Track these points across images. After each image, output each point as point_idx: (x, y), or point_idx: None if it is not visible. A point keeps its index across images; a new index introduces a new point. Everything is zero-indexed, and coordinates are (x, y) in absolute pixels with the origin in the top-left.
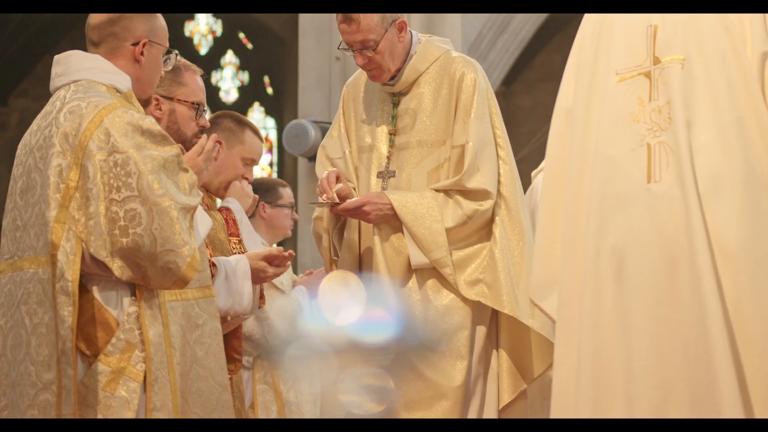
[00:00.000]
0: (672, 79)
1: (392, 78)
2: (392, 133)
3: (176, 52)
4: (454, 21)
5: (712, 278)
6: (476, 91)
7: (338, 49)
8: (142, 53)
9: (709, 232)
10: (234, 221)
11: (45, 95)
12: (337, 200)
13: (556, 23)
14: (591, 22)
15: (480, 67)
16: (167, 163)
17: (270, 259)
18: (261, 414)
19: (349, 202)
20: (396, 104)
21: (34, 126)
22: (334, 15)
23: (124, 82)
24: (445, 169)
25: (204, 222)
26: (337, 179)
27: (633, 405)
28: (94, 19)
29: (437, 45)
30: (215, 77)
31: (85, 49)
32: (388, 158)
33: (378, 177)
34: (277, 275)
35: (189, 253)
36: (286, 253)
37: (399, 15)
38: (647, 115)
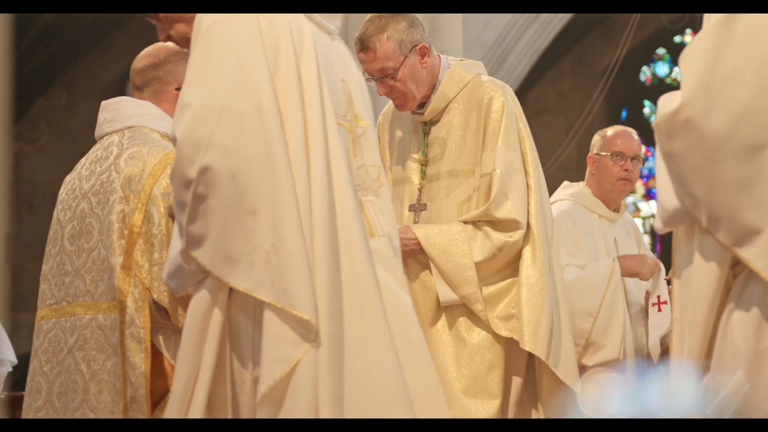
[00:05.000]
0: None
1: (421, 106)
2: (423, 164)
3: None
4: (454, 27)
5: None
6: (504, 115)
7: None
8: None
9: None
10: None
11: (39, 138)
12: None
13: (550, 58)
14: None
15: (510, 91)
16: None
17: None
18: None
19: None
20: (426, 133)
21: (83, 171)
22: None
23: None
24: (474, 199)
25: None
26: None
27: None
28: (138, 63)
29: (467, 69)
30: None
31: (76, 93)
32: (420, 190)
33: (410, 210)
34: None
35: None
36: None
37: (419, 40)
38: (354, 170)
